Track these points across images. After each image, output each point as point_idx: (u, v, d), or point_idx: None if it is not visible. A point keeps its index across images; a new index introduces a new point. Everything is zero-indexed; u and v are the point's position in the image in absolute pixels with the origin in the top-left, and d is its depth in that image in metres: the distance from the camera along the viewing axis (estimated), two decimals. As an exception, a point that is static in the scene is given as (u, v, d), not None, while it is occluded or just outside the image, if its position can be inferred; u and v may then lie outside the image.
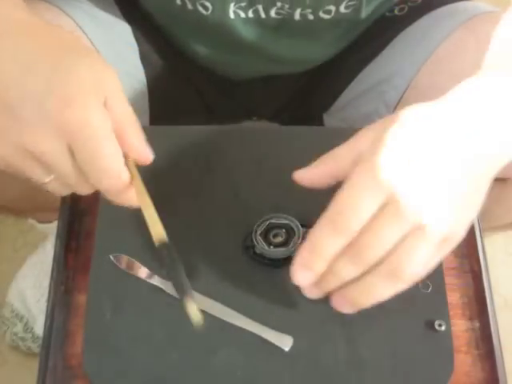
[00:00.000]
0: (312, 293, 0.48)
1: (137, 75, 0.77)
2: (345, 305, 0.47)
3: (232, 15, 0.67)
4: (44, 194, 0.54)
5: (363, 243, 0.43)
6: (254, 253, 0.55)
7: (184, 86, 0.83)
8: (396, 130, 0.44)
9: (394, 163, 0.43)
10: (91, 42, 0.71)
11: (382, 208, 0.43)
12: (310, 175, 0.49)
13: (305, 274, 0.46)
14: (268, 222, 0.55)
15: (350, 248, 0.44)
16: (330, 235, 0.44)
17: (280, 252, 0.54)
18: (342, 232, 0.44)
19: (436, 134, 0.44)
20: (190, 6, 0.67)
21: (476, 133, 0.44)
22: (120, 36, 0.76)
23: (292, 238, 0.54)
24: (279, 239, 0.54)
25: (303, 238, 0.53)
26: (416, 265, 0.43)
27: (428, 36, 0.75)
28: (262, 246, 0.54)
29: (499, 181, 0.75)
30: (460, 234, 0.45)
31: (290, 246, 0.54)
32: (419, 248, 0.43)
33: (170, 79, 0.80)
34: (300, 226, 0.55)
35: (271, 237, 0.54)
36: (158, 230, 0.48)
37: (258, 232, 0.54)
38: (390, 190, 0.42)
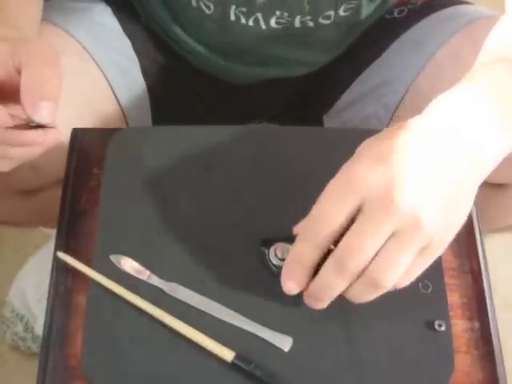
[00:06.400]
0: (309, 303, 0.48)
1: (137, 81, 0.77)
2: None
3: (233, 17, 0.68)
4: (53, 211, 0.55)
5: (346, 252, 0.44)
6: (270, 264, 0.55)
7: (184, 91, 0.83)
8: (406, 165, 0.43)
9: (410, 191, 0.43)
10: (94, 60, 0.73)
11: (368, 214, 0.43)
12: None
13: (291, 283, 0.47)
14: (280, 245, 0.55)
15: (335, 259, 0.45)
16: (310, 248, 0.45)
17: None
18: (321, 246, 0.45)
19: (431, 155, 0.44)
20: (194, 3, 0.68)
21: (465, 144, 0.45)
22: (121, 50, 0.77)
23: None
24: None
25: None
26: (397, 273, 0.44)
27: (427, 40, 0.74)
28: (276, 262, 0.54)
29: (498, 186, 0.76)
30: (445, 240, 0.45)
31: None
32: (400, 255, 0.43)
33: (171, 84, 0.81)
34: None
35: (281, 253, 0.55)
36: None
37: (272, 254, 0.55)
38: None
